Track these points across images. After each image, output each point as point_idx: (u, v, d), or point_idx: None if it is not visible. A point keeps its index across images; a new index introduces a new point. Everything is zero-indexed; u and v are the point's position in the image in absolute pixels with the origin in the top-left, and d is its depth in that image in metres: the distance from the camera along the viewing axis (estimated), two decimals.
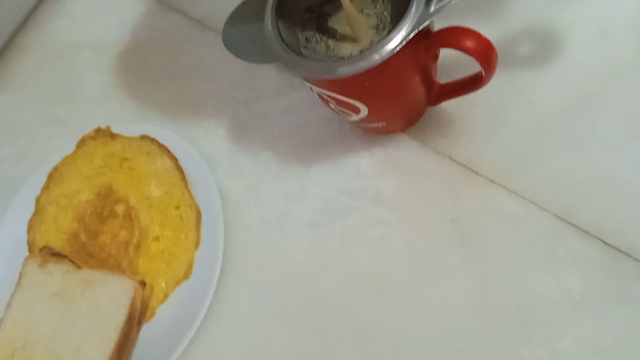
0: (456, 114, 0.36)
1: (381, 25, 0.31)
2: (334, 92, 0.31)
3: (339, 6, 0.31)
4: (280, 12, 0.30)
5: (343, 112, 0.33)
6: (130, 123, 0.44)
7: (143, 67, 0.47)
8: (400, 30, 0.27)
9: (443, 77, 0.35)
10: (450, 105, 0.36)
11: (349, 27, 0.31)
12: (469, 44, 0.28)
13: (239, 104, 0.43)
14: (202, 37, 0.46)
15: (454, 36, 0.28)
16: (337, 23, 0.32)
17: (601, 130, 0.33)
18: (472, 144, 0.35)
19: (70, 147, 0.44)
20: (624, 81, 0.33)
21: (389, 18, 0.31)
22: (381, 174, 0.37)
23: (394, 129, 0.37)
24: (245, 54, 0.31)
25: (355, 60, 0.28)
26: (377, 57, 0.27)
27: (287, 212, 0.38)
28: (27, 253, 0.41)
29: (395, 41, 0.27)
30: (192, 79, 0.45)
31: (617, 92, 0.33)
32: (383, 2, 0.31)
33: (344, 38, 0.31)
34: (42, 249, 0.40)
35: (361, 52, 0.29)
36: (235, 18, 0.32)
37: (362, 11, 0.31)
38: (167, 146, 0.41)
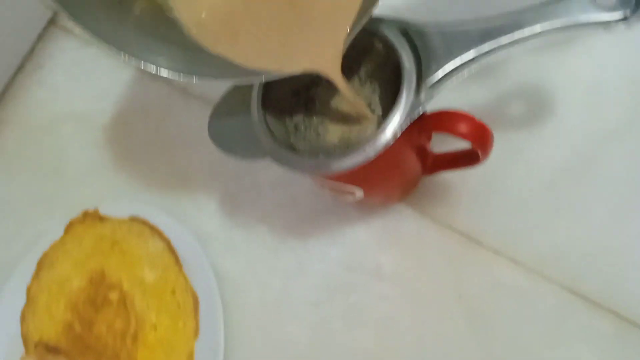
0: (452, 181, 0.35)
1: (371, 107, 0.30)
2: (328, 181, 0.30)
3: (326, 88, 0.31)
4: (267, 99, 0.30)
5: (338, 195, 0.32)
6: (118, 202, 0.43)
7: (128, 138, 0.46)
8: (393, 121, 0.26)
9: (437, 143, 0.34)
10: (446, 172, 0.35)
11: (341, 109, 0.30)
12: (463, 129, 0.27)
13: (229, 175, 0.42)
14: (186, 105, 0.45)
15: (447, 121, 0.27)
16: (324, 107, 0.31)
17: (601, 194, 0.32)
18: (471, 212, 0.34)
19: (59, 230, 0.43)
20: (620, 141, 0.33)
21: (377, 100, 0.30)
22: (380, 246, 0.36)
23: (390, 201, 0.36)
24: (235, 149, 0.30)
25: (348, 155, 0.27)
26: (371, 152, 0.26)
27: (287, 290, 0.37)
28: (22, 347, 0.40)
29: (388, 133, 0.26)
30: (179, 149, 0.44)
31: (613, 153, 0.33)
32: (371, 84, 0.30)
33: (333, 122, 0.30)
34: (37, 345, 0.39)
35: (354, 144, 0.28)
36: (221, 109, 0.31)
37: None
38: (158, 227, 0.40)
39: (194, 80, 0.28)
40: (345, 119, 0.30)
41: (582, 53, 0.34)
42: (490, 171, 0.35)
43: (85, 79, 0.50)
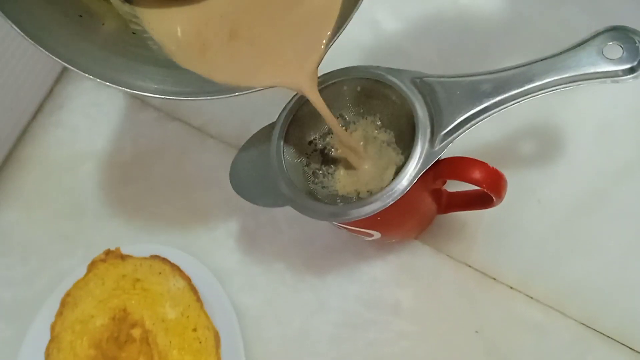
0: (467, 218, 0.36)
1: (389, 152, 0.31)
2: (346, 225, 0.31)
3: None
4: (285, 148, 0.31)
5: (356, 236, 0.33)
6: (139, 241, 0.44)
7: (146, 177, 0.47)
8: (409, 170, 0.27)
9: (451, 181, 0.35)
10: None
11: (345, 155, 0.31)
12: (477, 175, 0.28)
13: (247, 212, 0.43)
14: (202, 144, 0.46)
15: (461, 168, 0.28)
16: (341, 158, 0.32)
17: (615, 230, 0.33)
18: (486, 249, 0.35)
19: (81, 269, 0.44)
20: (631, 178, 0.33)
21: (393, 148, 0.31)
22: (397, 282, 0.37)
23: (406, 239, 0.37)
24: (257, 198, 0.31)
25: (366, 203, 0.28)
26: (388, 200, 0.27)
27: (307, 327, 0.38)
28: None
29: (404, 182, 0.27)
30: (196, 188, 0.45)
31: (625, 190, 0.33)
32: (386, 132, 0.31)
33: (349, 170, 0.31)
34: None
35: (372, 193, 0.29)
36: (241, 160, 0.32)
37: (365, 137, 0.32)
38: (179, 265, 0.41)
39: (164, 98, 0.28)
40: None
41: (591, 92, 0.35)
42: (504, 208, 0.35)
43: (103, 118, 0.51)
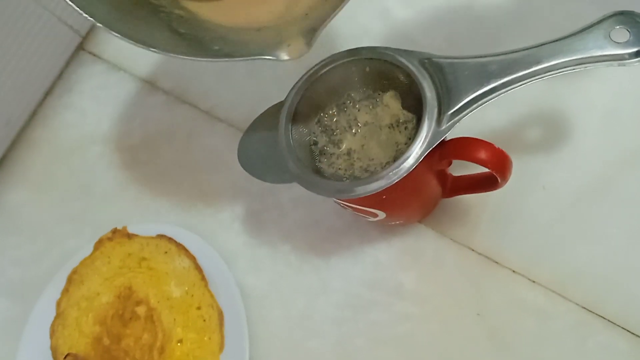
0: (472, 203, 0.36)
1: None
2: (352, 204, 0.31)
3: (350, 118, 0.32)
4: (293, 126, 0.31)
5: (361, 216, 0.33)
6: (146, 221, 0.44)
7: (155, 160, 0.48)
8: (415, 149, 0.28)
9: (456, 165, 0.35)
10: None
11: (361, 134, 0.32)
12: (483, 155, 0.28)
13: (253, 195, 0.43)
14: (211, 128, 0.47)
15: (467, 148, 0.29)
16: (348, 137, 0.32)
17: (619, 217, 0.33)
18: (490, 233, 0.35)
19: (88, 247, 0.44)
20: (637, 165, 0.34)
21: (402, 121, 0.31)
22: (401, 265, 0.37)
23: (410, 222, 0.37)
24: (264, 174, 0.31)
25: (372, 180, 0.28)
26: (394, 177, 0.28)
27: (310, 308, 0.38)
28: (51, 359, 0.42)
29: (410, 160, 0.28)
30: (204, 171, 0.46)
31: (630, 177, 0.34)
32: (394, 111, 0.32)
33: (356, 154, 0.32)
34: (66, 356, 0.40)
35: (378, 171, 0.29)
36: (249, 138, 0.33)
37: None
38: (185, 245, 0.42)
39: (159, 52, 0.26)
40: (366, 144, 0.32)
41: (597, 79, 0.35)
42: (509, 193, 0.36)
43: (112, 102, 0.52)
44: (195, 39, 0.28)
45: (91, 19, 0.26)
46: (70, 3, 0.25)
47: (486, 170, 0.32)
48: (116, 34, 0.26)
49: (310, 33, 0.26)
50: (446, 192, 0.35)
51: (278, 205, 0.42)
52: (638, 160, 0.34)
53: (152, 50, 0.26)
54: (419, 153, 0.28)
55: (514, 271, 0.34)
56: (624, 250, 0.32)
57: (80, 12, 0.25)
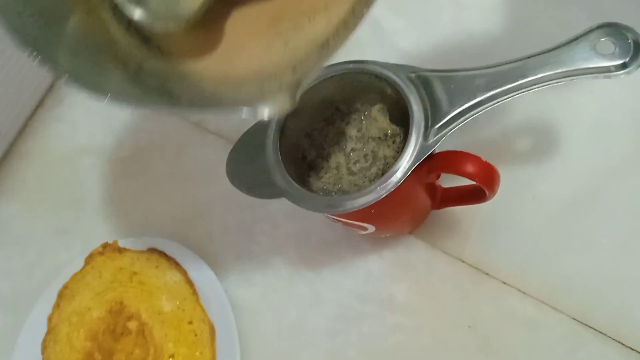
0: (461, 214, 0.36)
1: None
2: (341, 217, 0.31)
3: (338, 132, 0.32)
4: (282, 141, 0.31)
5: (351, 230, 0.33)
6: (137, 234, 0.44)
7: (146, 171, 0.48)
8: (403, 163, 0.28)
9: (446, 177, 0.35)
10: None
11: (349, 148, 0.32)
12: (470, 169, 0.28)
13: (244, 207, 0.43)
14: (201, 139, 0.47)
15: (454, 162, 0.29)
16: (335, 147, 0.32)
17: (608, 227, 0.33)
18: (480, 245, 0.35)
19: (79, 261, 0.44)
20: (624, 175, 0.34)
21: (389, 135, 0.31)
22: (392, 277, 0.37)
23: (401, 234, 0.37)
24: (253, 190, 0.31)
25: (360, 194, 0.28)
26: (382, 192, 0.28)
27: (302, 320, 0.38)
28: None
29: (398, 174, 0.28)
30: (195, 182, 0.46)
31: (619, 187, 0.34)
32: (381, 124, 0.32)
33: (344, 168, 0.32)
34: None
35: (366, 185, 0.29)
36: (238, 152, 0.33)
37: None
38: (176, 259, 0.41)
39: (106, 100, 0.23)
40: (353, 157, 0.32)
41: (586, 91, 0.36)
42: (499, 204, 0.36)
43: (103, 113, 0.52)
44: (164, 90, 0.25)
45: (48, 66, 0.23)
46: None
47: (473, 185, 0.32)
48: (80, 88, 0.23)
49: (295, 87, 0.23)
50: (436, 204, 0.35)
51: (269, 217, 0.42)
52: (626, 170, 0.34)
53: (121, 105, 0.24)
54: (407, 167, 0.28)
55: (504, 282, 0.34)
56: (613, 260, 0.32)
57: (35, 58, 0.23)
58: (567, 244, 0.34)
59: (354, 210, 0.28)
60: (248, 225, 0.42)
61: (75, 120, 0.53)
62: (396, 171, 0.28)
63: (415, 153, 0.28)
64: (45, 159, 0.52)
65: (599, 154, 0.35)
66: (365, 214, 0.30)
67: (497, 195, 0.36)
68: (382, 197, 0.28)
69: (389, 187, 0.28)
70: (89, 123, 0.52)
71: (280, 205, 0.42)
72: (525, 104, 0.37)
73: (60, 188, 0.51)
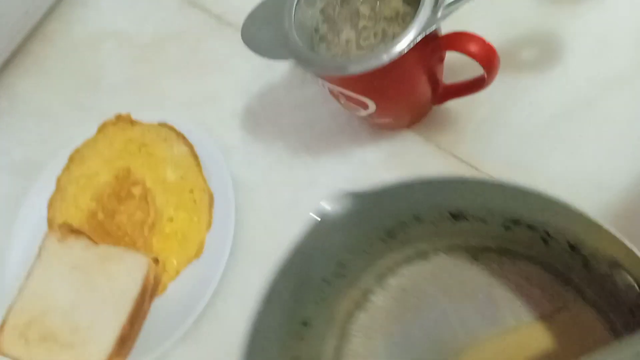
0: (460, 113, 0.38)
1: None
2: (345, 88, 0.33)
3: (352, 10, 0.34)
4: (298, 12, 0.33)
5: (352, 107, 0.35)
6: (149, 109, 0.46)
7: (164, 59, 0.50)
8: (408, 33, 0.29)
9: (449, 78, 0.37)
10: (454, 105, 0.38)
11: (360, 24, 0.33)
12: (473, 48, 0.30)
13: (253, 97, 0.45)
14: (220, 32, 0.48)
15: (459, 40, 0.30)
16: (348, 27, 0.33)
17: (598, 134, 0.35)
18: (474, 143, 0.37)
19: (92, 132, 0.46)
20: (620, 89, 0.35)
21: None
22: (386, 166, 0.39)
23: (400, 125, 0.39)
24: (263, 50, 0.33)
25: (365, 59, 0.30)
26: (385, 58, 0.29)
27: (296, 199, 0.40)
28: (47, 229, 0.44)
29: (403, 43, 0.29)
30: (208, 72, 0.47)
31: (613, 100, 0.35)
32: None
33: (354, 43, 0.33)
34: (61, 225, 0.42)
35: (371, 51, 0.31)
36: (255, 17, 0.34)
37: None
38: (184, 134, 0.43)
39: None
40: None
41: (593, 5, 0.37)
42: (496, 106, 0.38)
43: (127, 1, 0.53)
44: None
45: None
46: None
47: (474, 77, 0.34)
48: None
49: None
50: (437, 98, 0.37)
51: (276, 106, 0.44)
52: (622, 85, 0.35)
53: None
54: (412, 38, 0.29)
55: (491, 177, 0.36)
56: (599, 164, 0.34)
57: None
58: (556, 147, 0.35)
59: (358, 73, 0.30)
60: (256, 112, 0.44)
61: (99, 6, 0.55)
62: (402, 40, 0.29)
63: (422, 25, 0.29)
64: (68, 42, 0.54)
65: (599, 68, 0.36)
66: (367, 86, 0.32)
67: (495, 97, 0.37)
68: (386, 63, 0.29)
69: (392, 55, 0.29)
70: (113, 10, 0.54)
71: (288, 97, 0.44)
72: (536, 16, 0.38)
73: (80, 69, 0.53)
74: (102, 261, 0.40)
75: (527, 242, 0.26)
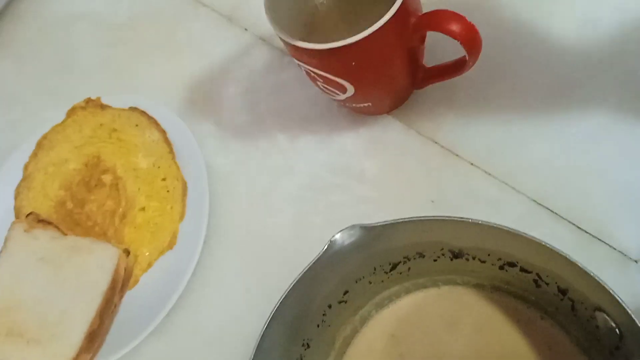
0: (441, 98, 0.37)
1: None
2: (322, 70, 0.31)
3: None
4: None
5: (330, 90, 0.34)
6: (120, 93, 0.44)
7: (137, 40, 0.48)
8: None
9: (431, 61, 0.35)
10: (435, 90, 0.36)
11: None
12: (454, 27, 0.29)
13: (229, 81, 0.43)
14: (195, 13, 0.47)
15: (439, 19, 0.29)
16: None
17: (578, 120, 0.34)
18: (456, 128, 0.36)
19: (61, 115, 0.44)
20: (604, 72, 0.34)
21: None
22: (366, 153, 0.38)
23: (380, 110, 0.37)
24: None
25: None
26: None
27: (273, 187, 0.39)
28: (13, 219, 0.42)
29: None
30: (184, 54, 0.46)
31: (596, 83, 0.34)
32: None
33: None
34: (28, 215, 0.40)
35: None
36: None
37: None
38: (156, 119, 0.42)
39: None
40: None
41: None
42: (478, 91, 0.36)
43: None
44: None
45: None
46: None
47: (455, 58, 0.32)
48: None
49: None
50: (418, 82, 0.35)
51: (254, 91, 0.42)
52: (606, 68, 0.34)
53: None
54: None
55: (472, 164, 0.35)
56: (580, 149, 0.33)
57: None
58: (538, 132, 0.34)
59: (338, 47, 0.28)
60: (231, 97, 0.43)
61: None
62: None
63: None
64: (40, 22, 0.52)
65: (583, 49, 0.35)
66: (345, 68, 0.31)
67: (476, 82, 0.36)
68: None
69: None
70: None
71: (265, 81, 0.42)
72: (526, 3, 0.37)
73: (52, 50, 0.50)
74: (71, 253, 0.38)
75: (520, 284, 0.28)
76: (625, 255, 0.31)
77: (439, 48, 0.34)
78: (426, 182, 0.35)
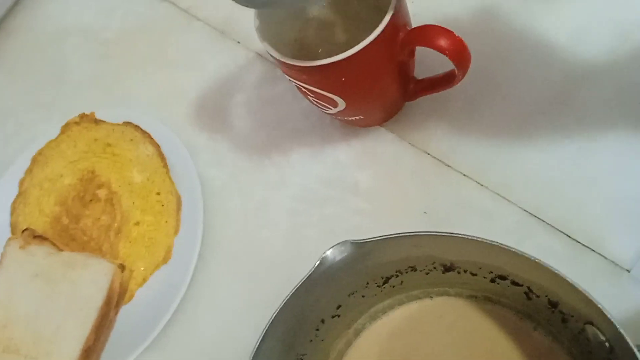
0: (433, 110, 0.37)
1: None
2: (312, 85, 0.31)
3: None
4: None
5: (322, 105, 0.34)
6: (114, 108, 0.44)
7: (130, 54, 0.48)
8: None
9: (423, 72, 0.36)
10: (427, 101, 0.36)
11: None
12: (442, 42, 0.29)
13: (222, 94, 0.43)
14: (188, 26, 0.47)
15: (427, 35, 0.29)
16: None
17: (571, 130, 0.34)
18: (447, 139, 0.36)
19: (55, 132, 0.45)
20: (596, 83, 0.34)
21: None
22: (359, 165, 0.38)
23: (372, 122, 0.37)
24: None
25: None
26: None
27: (266, 200, 0.39)
28: (9, 235, 0.42)
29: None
30: (177, 67, 0.46)
31: (589, 94, 0.34)
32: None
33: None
34: (24, 231, 0.41)
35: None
36: None
37: None
38: (150, 133, 0.42)
39: None
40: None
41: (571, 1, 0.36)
42: (469, 102, 0.36)
43: None
44: None
45: None
46: None
47: (445, 71, 0.32)
48: None
49: None
50: (409, 94, 0.35)
51: (246, 104, 0.42)
52: (597, 79, 0.34)
53: None
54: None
55: (464, 174, 0.35)
56: (573, 161, 0.33)
57: None
58: (530, 143, 0.34)
59: (327, 63, 0.29)
60: (224, 110, 0.43)
61: (65, 0, 0.52)
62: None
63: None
64: (32, 37, 0.52)
65: (575, 62, 0.35)
66: (335, 83, 0.31)
67: (468, 93, 0.36)
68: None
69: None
70: (78, 4, 0.52)
71: (258, 94, 0.42)
72: (510, 8, 0.37)
73: (44, 65, 0.51)
74: (66, 268, 0.38)
75: (512, 296, 0.28)
76: (617, 265, 0.31)
77: (430, 59, 0.34)
78: (419, 194, 0.35)
